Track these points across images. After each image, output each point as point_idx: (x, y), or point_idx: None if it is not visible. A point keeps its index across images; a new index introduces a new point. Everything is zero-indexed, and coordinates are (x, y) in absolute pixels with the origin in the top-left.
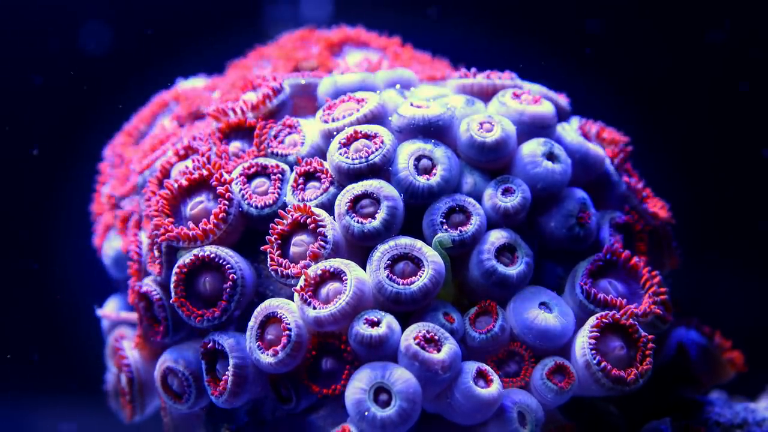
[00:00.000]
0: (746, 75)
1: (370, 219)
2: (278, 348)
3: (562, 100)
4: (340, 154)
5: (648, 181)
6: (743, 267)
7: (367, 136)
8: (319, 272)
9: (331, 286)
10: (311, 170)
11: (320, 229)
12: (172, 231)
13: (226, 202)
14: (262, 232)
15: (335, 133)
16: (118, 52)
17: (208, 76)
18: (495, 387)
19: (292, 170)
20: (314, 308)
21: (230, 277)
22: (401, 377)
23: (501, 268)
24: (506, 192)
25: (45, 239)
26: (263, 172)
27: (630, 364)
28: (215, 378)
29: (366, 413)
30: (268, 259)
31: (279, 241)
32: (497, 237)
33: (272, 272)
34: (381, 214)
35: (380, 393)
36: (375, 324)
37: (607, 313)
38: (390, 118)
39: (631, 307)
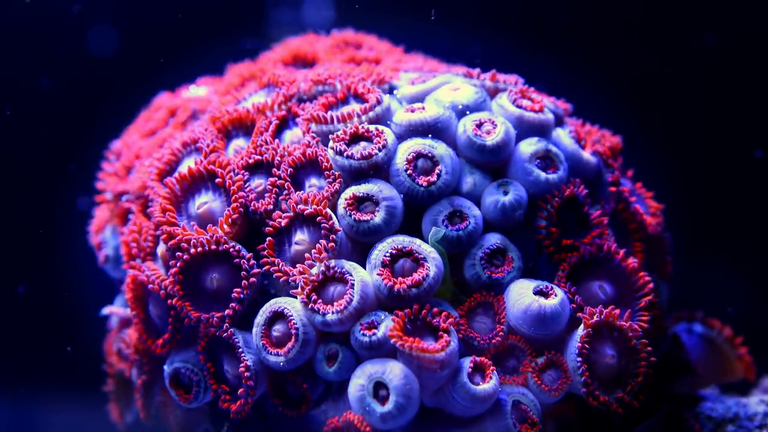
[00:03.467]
0: (739, 77)
1: (371, 216)
2: (288, 345)
3: (561, 106)
4: (343, 154)
5: (641, 181)
6: (736, 266)
7: (368, 138)
8: (326, 273)
9: (337, 287)
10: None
11: (326, 226)
12: (177, 237)
13: (240, 205)
14: (262, 229)
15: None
16: (125, 55)
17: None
18: (491, 383)
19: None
20: (321, 311)
21: (251, 281)
22: (398, 375)
23: (485, 275)
24: (504, 194)
25: (52, 238)
26: (266, 169)
27: (620, 373)
28: (230, 390)
29: (367, 408)
30: (270, 263)
31: (280, 235)
32: (488, 241)
33: (273, 272)
34: (380, 214)
35: (380, 388)
36: (373, 327)
37: (597, 319)
38: (389, 122)
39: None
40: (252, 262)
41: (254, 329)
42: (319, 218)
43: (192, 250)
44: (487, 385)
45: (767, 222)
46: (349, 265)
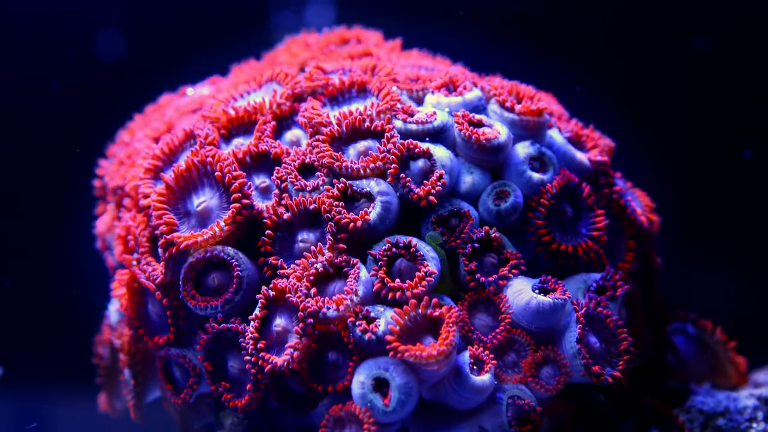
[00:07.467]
0: (730, 79)
1: (365, 214)
2: (291, 345)
3: (555, 105)
4: (348, 155)
5: (633, 181)
6: (726, 264)
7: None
8: (328, 269)
9: (337, 285)
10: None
11: (330, 217)
12: (179, 239)
13: (243, 206)
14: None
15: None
16: (131, 58)
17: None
18: (488, 375)
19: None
20: (321, 306)
21: (235, 273)
22: (400, 373)
23: (468, 279)
24: (500, 196)
25: (59, 237)
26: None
27: (605, 356)
28: (231, 386)
29: (369, 403)
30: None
31: (285, 232)
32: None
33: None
34: (376, 210)
35: (381, 384)
36: (373, 321)
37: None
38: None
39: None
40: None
41: (250, 325)
42: (323, 210)
43: (194, 258)
44: (485, 376)
45: (757, 221)
46: (352, 261)
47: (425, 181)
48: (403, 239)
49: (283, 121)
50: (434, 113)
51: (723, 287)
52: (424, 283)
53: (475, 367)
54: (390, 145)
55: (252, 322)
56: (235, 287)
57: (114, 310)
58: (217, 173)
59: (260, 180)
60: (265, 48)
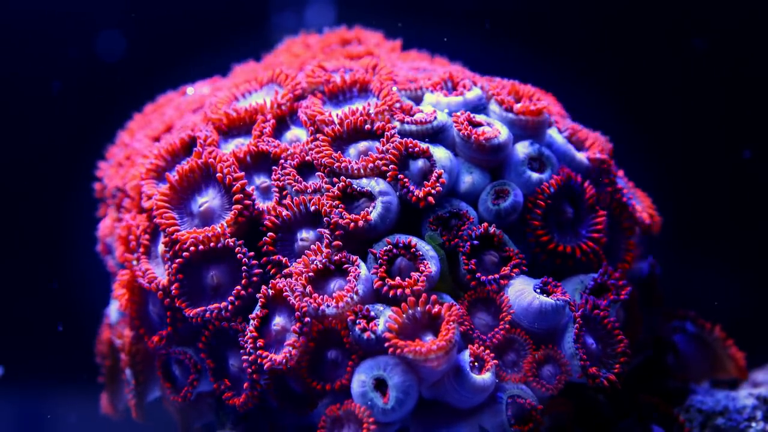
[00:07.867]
0: (729, 79)
1: (366, 213)
2: (289, 343)
3: (555, 105)
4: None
5: (633, 181)
6: (725, 264)
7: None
8: (328, 266)
9: (337, 282)
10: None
11: (327, 220)
12: (183, 237)
13: (244, 207)
14: (263, 224)
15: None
16: (131, 58)
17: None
18: (488, 374)
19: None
20: (320, 303)
21: (252, 279)
22: (398, 372)
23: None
24: (499, 195)
25: (61, 237)
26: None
27: (601, 357)
28: (232, 384)
29: (369, 402)
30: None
31: (284, 232)
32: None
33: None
34: (377, 210)
35: (381, 383)
36: (372, 320)
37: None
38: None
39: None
40: (254, 261)
41: (250, 324)
42: (324, 211)
43: (192, 249)
44: (485, 375)
45: (757, 221)
46: (352, 260)
47: (425, 182)
48: (403, 239)
49: (284, 121)
50: (434, 113)
51: (723, 287)
52: (422, 278)
53: (475, 365)
54: (389, 145)
55: (251, 321)
56: (245, 282)
57: (114, 309)
58: (218, 174)
59: (261, 180)
60: (265, 48)
